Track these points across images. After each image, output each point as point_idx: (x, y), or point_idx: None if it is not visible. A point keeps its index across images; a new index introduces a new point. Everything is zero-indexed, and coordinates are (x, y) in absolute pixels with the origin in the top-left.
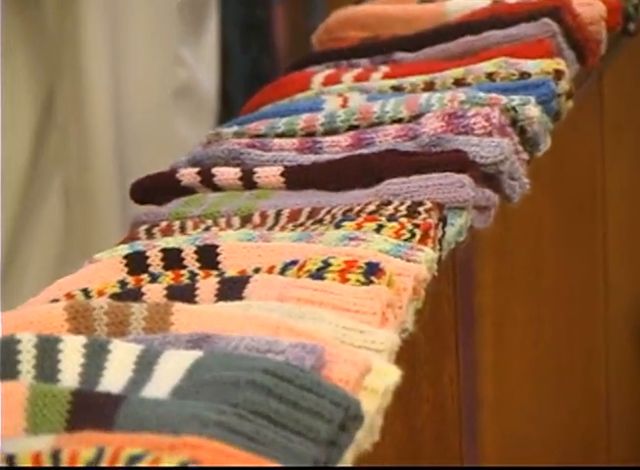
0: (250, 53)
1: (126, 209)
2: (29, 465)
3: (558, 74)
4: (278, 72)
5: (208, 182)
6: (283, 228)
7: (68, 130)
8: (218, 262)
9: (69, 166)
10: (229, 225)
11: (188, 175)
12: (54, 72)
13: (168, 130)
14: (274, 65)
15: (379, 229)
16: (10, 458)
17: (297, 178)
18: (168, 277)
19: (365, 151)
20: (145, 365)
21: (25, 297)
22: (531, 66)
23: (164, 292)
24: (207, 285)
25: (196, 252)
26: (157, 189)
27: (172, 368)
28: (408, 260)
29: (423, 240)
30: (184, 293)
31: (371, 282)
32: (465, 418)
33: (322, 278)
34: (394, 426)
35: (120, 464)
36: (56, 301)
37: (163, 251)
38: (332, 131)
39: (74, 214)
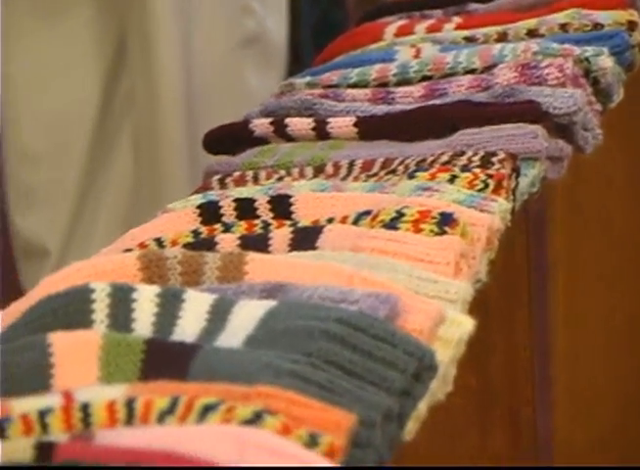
0: (319, 4)
1: (195, 159)
2: (104, 413)
3: (631, 26)
4: (347, 24)
5: (281, 132)
6: (356, 178)
7: (138, 79)
8: (292, 212)
9: (140, 114)
10: (302, 175)
11: (261, 126)
12: (124, 22)
13: (237, 80)
14: (344, 16)
15: (452, 180)
16: (84, 407)
17: (369, 129)
18: (242, 227)
19: (438, 102)
20: (219, 315)
21: (97, 245)
22: (604, 17)
23: (238, 242)
24: (281, 235)
25: (269, 202)
26: (230, 139)
27: (246, 318)
28: (482, 211)
29: (496, 190)
30: (257, 243)
31: (444, 232)
32: (537, 368)
33: (395, 228)
34: (468, 376)
35: (194, 413)
36: (129, 250)
37: (237, 201)
38: (404, 82)
39: (144, 163)
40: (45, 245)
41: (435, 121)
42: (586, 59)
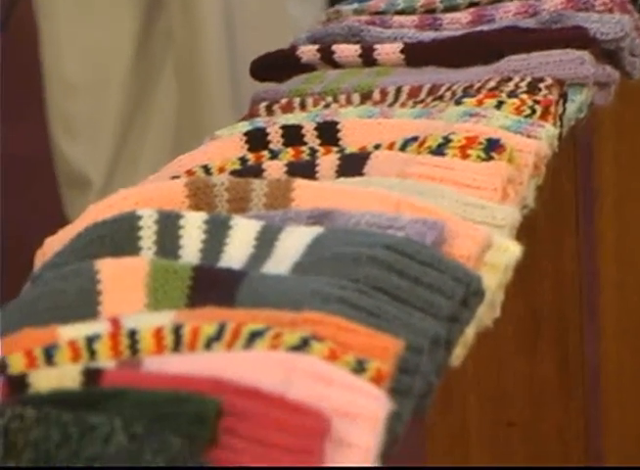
0: None
1: (238, 89)
2: (152, 339)
3: None
4: None
5: (328, 59)
6: (403, 105)
7: (178, 12)
8: (339, 139)
9: (181, 47)
10: (349, 102)
11: (308, 52)
12: None
13: (279, 9)
14: None
15: (499, 105)
16: (132, 334)
17: (417, 55)
18: (289, 154)
19: (485, 28)
20: (266, 241)
21: (140, 175)
22: None
23: (285, 168)
24: (328, 161)
25: (316, 128)
26: (276, 66)
27: (293, 244)
28: (529, 136)
29: (543, 116)
30: (304, 169)
31: (491, 158)
32: (585, 294)
33: (442, 154)
34: (515, 302)
35: (241, 340)
36: (176, 177)
37: (284, 127)
38: (452, 8)
39: (187, 94)
40: (88, 174)
41: (483, 47)
42: None
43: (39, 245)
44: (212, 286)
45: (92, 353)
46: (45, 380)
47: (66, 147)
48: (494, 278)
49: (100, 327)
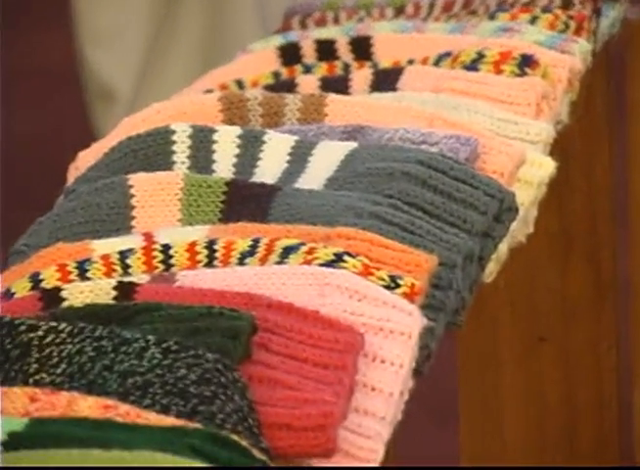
0: None
1: (267, 4)
2: (185, 254)
3: None
4: None
5: None
6: (437, 19)
7: None
8: (372, 54)
9: None
10: (382, 16)
11: None
12: None
13: None
14: None
15: (533, 20)
16: (165, 248)
17: None
18: (322, 68)
19: None
20: (299, 156)
21: (170, 89)
22: None
23: (318, 83)
24: (361, 76)
25: (350, 43)
26: None
27: (327, 159)
28: (562, 52)
29: (577, 32)
30: (338, 84)
31: (525, 73)
32: (617, 210)
33: (476, 69)
34: (548, 218)
35: (275, 255)
36: (209, 91)
37: (317, 42)
38: None
39: (216, 8)
40: (116, 85)
41: None
42: None
43: (71, 159)
44: (246, 201)
45: (125, 268)
46: (79, 294)
47: (93, 57)
48: (528, 194)
49: (133, 242)
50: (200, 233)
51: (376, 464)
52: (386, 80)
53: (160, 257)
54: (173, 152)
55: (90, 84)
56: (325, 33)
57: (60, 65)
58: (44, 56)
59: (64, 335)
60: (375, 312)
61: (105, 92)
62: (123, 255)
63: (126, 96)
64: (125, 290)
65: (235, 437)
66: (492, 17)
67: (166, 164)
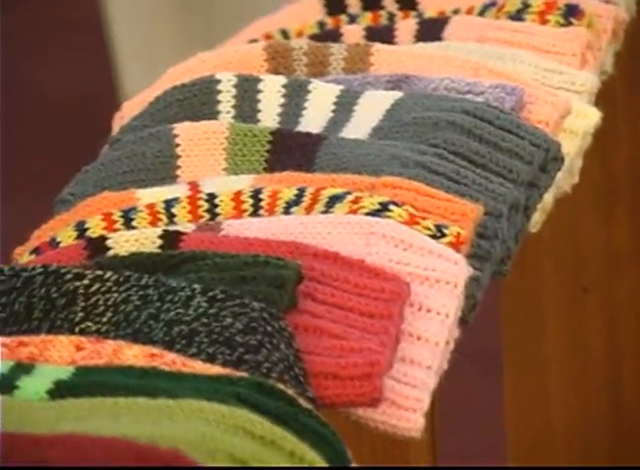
0: None
1: None
2: (230, 203)
3: None
4: None
5: None
6: None
7: None
8: (417, 3)
9: None
10: None
11: None
12: None
13: None
14: None
15: None
16: (210, 197)
17: None
18: (367, 18)
19: None
20: (345, 106)
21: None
22: None
23: (363, 33)
24: (406, 26)
25: None
26: None
27: (372, 109)
28: (607, 2)
29: None
30: (383, 34)
31: (570, 23)
32: None
33: (521, 19)
34: (593, 168)
35: (320, 204)
36: (254, 41)
37: None
38: None
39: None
40: None
41: None
42: None
43: (116, 108)
44: (291, 150)
45: (171, 217)
46: (124, 243)
47: (128, 71)
48: (573, 144)
49: (179, 191)
50: (245, 182)
51: (422, 413)
52: (431, 30)
53: (206, 206)
54: (218, 101)
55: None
56: None
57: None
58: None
59: (109, 284)
60: (421, 261)
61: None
62: (169, 204)
63: None
64: (171, 239)
65: (281, 386)
66: None
67: (211, 114)
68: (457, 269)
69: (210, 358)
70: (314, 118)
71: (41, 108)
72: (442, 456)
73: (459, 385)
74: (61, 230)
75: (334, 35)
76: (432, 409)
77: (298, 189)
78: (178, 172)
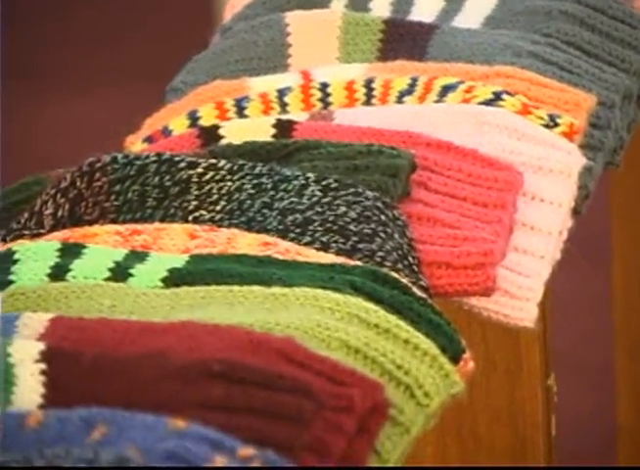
0: None
1: None
2: (343, 92)
3: None
4: None
5: None
6: None
7: None
8: None
9: None
10: None
11: None
12: None
13: None
14: None
15: None
16: (323, 86)
17: None
18: None
19: None
20: None
21: None
22: None
23: None
24: None
25: None
26: None
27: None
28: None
29: None
30: None
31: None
32: None
33: None
34: None
35: (434, 93)
36: None
37: None
38: None
39: None
40: None
41: None
42: None
43: None
44: (404, 39)
45: (283, 106)
46: (237, 132)
47: None
48: None
49: (291, 79)
50: (357, 71)
51: (535, 303)
52: None
53: (318, 95)
54: None
55: None
56: None
57: None
58: None
59: (223, 172)
60: (534, 151)
61: None
62: (281, 92)
63: None
64: (284, 127)
65: (395, 274)
66: None
67: (323, 3)
68: (571, 159)
69: (324, 247)
70: (426, 8)
71: None
72: (552, 346)
73: (570, 274)
74: (173, 119)
75: None
76: (544, 299)
77: (411, 78)
78: (290, 61)
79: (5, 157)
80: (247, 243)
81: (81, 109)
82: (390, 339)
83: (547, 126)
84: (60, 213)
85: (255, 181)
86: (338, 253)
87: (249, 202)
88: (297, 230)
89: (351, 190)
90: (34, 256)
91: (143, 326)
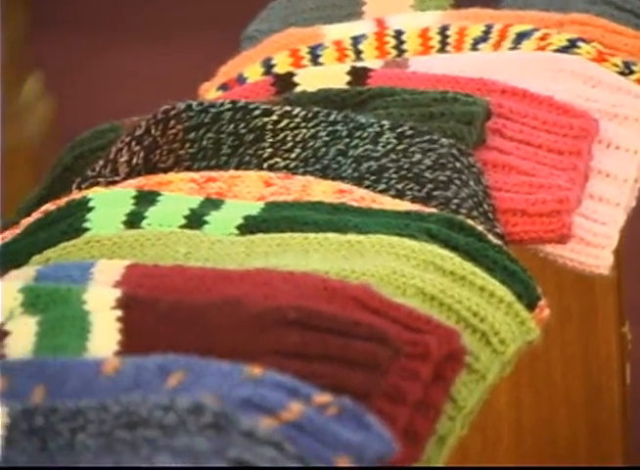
0: None
1: None
2: (418, 40)
3: None
4: None
5: None
6: None
7: None
8: None
9: None
10: None
11: None
12: None
13: None
14: None
15: None
16: (397, 34)
17: None
18: None
19: None
20: None
21: None
22: None
23: None
24: None
25: None
26: None
27: None
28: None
29: None
30: None
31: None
32: None
33: None
34: None
35: (508, 41)
36: None
37: None
38: None
39: None
40: None
41: None
42: None
43: None
44: None
45: (358, 53)
46: (312, 79)
47: None
48: None
49: (365, 27)
50: (432, 19)
51: (611, 250)
52: None
53: (393, 42)
54: None
55: None
56: None
57: None
58: None
59: (298, 119)
60: (609, 98)
61: None
62: (356, 40)
63: None
64: (359, 75)
65: (470, 222)
66: None
67: None
68: None
69: (399, 194)
70: None
71: None
72: (627, 294)
73: None
74: (248, 66)
75: None
76: (619, 247)
77: (486, 26)
78: (364, 9)
79: (82, 105)
80: (321, 190)
81: (157, 58)
82: (466, 286)
83: (622, 74)
84: (134, 161)
85: (330, 129)
86: (413, 200)
87: (323, 149)
88: (372, 178)
89: (426, 137)
90: (110, 203)
91: (218, 274)
